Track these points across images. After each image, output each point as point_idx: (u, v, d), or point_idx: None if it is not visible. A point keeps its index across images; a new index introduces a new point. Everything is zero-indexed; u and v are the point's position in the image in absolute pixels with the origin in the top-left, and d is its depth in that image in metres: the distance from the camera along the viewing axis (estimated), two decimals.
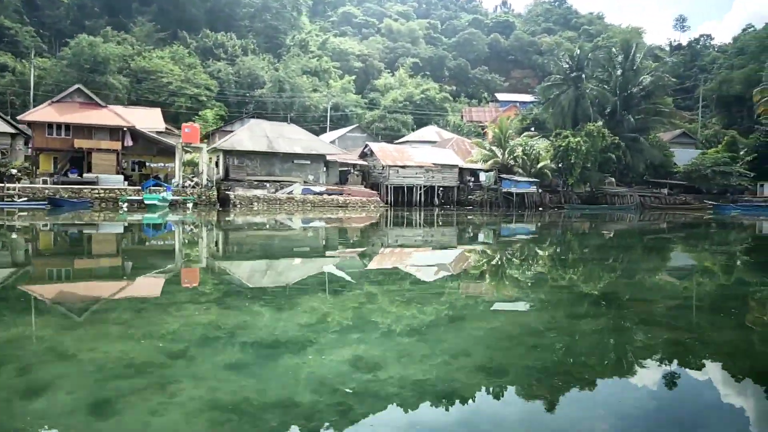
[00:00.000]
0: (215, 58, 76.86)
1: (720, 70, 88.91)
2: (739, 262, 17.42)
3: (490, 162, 46.06)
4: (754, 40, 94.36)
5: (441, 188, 46.60)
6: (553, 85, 51.73)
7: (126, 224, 25.26)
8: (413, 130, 71.14)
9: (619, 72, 51.07)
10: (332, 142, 57.09)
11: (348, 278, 11.80)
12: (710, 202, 49.10)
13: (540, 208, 45.10)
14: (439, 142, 55.30)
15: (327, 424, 4.45)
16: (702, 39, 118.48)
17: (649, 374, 5.90)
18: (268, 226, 26.98)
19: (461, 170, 47.57)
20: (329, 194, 38.37)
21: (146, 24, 79.08)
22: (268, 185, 37.30)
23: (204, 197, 34.61)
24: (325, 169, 41.65)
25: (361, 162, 45.48)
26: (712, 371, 6.24)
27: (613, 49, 53.18)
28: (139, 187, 34.47)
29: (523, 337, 7.02)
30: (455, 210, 43.82)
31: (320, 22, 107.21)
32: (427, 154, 46.21)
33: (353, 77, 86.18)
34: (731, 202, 51.34)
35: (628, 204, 46.40)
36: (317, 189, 38.01)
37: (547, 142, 47.09)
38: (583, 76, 49.14)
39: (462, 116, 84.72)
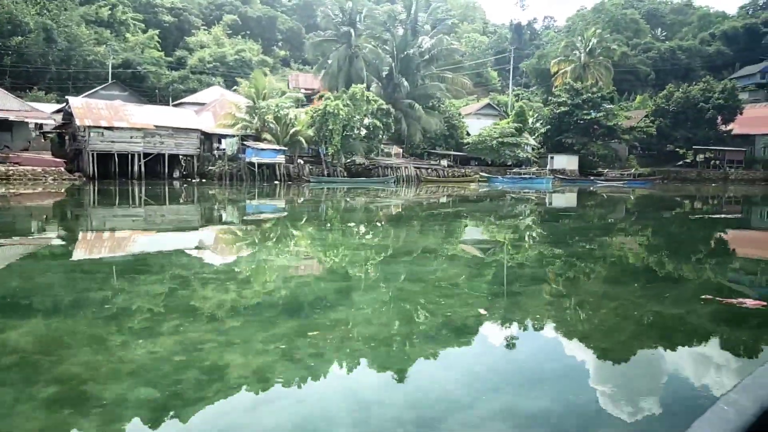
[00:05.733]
0: None
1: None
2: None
3: (238, 126, 39.43)
4: (578, 18, 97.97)
5: (185, 158, 39.43)
6: (322, 42, 45.82)
7: None
8: None
9: (400, 32, 46.31)
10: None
11: (42, 271, 9.44)
12: (485, 175, 46.76)
13: (290, 182, 39.51)
14: (207, 104, 47.82)
15: None
16: (545, 20, 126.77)
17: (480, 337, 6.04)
18: None
19: (209, 136, 40.61)
20: None
21: None
22: None
23: None
24: None
25: (48, 122, 36.52)
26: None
27: (397, 6, 48.31)
28: None
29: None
30: (195, 184, 37.22)
31: None
32: (154, 114, 38.47)
33: (157, 31, 75.41)
34: (515, 174, 49.69)
35: (390, 177, 42.01)
36: None
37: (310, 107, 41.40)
38: (353, 32, 43.55)
39: (288, 82, 78.09)
